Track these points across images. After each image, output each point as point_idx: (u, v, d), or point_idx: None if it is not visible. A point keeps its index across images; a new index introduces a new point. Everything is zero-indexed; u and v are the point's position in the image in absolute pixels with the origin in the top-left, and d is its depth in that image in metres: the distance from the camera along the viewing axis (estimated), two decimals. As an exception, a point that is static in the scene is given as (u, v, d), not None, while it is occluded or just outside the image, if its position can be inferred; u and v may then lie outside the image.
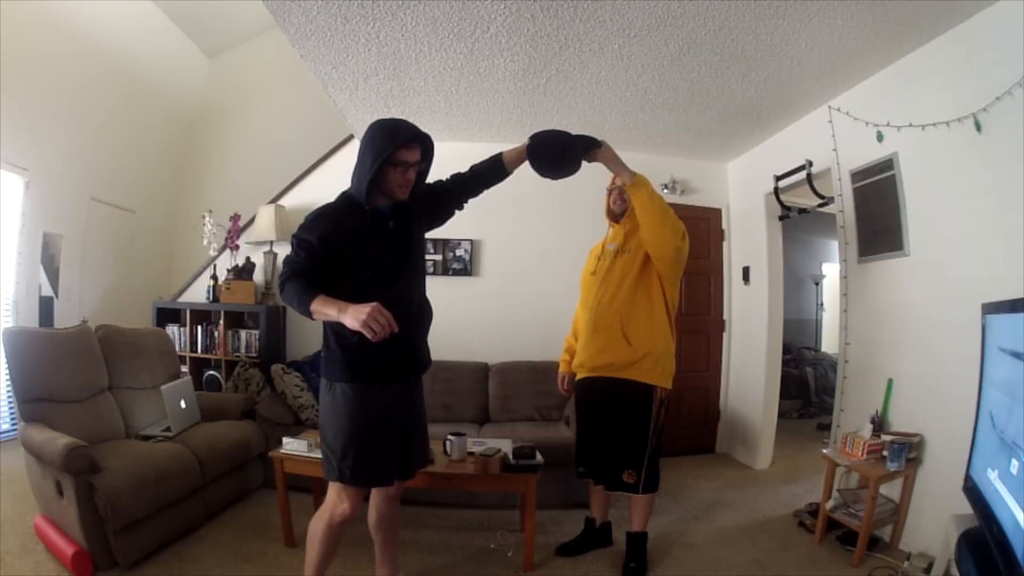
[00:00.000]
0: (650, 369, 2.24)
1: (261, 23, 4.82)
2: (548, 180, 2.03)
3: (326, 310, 1.56)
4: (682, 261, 2.24)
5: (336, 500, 1.74)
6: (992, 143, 2.18)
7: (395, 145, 1.61)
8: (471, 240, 4.17)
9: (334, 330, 1.71)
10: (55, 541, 2.20)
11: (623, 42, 2.67)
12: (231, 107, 5.67)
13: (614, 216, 2.42)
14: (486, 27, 2.57)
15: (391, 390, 1.74)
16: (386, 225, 1.73)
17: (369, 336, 1.49)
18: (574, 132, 2.01)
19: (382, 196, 1.72)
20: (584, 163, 2.04)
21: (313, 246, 1.64)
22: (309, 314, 1.60)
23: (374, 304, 1.50)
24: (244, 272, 4.13)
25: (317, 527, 1.78)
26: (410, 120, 1.72)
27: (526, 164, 1.95)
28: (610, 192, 2.40)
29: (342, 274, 1.66)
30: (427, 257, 3.59)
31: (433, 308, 1.92)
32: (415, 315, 1.80)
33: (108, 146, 4.65)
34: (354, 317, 1.49)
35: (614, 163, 2.12)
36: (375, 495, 1.95)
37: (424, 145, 1.72)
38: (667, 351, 2.28)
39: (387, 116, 1.93)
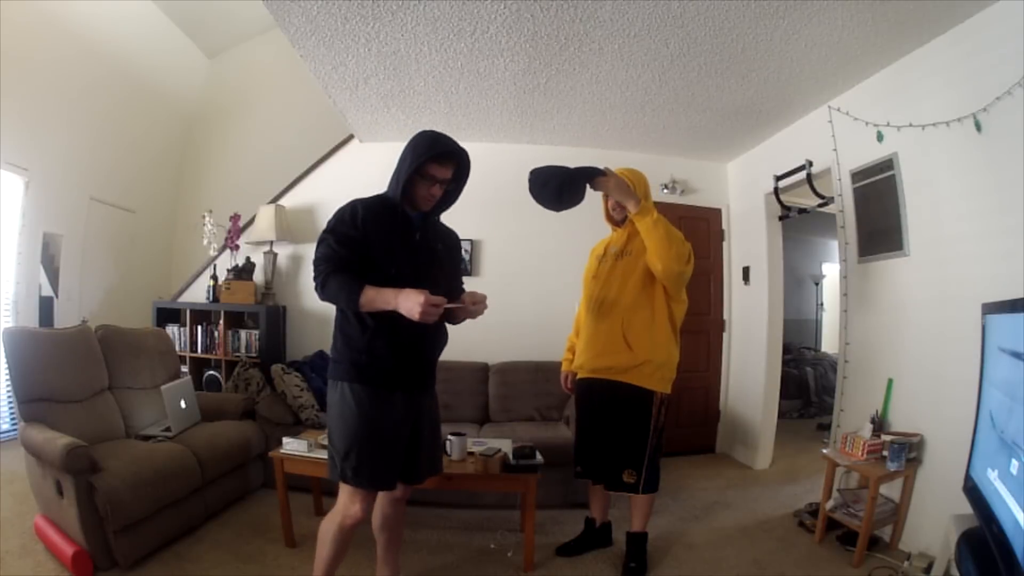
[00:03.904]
0: (650, 375, 2.24)
1: (261, 23, 4.82)
2: None
3: (381, 298, 1.57)
4: (685, 281, 2.23)
5: (348, 503, 1.73)
6: (992, 143, 2.18)
7: (428, 155, 1.65)
8: (471, 240, 4.17)
9: (343, 331, 1.73)
10: (55, 541, 2.20)
11: (623, 42, 2.67)
12: (231, 107, 5.67)
13: (615, 221, 2.41)
14: (486, 27, 2.57)
15: (394, 396, 1.74)
16: (412, 235, 1.76)
17: (428, 321, 1.54)
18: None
19: (410, 206, 1.76)
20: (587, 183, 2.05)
21: (352, 238, 1.66)
22: (358, 307, 1.60)
23: (424, 291, 1.53)
24: (244, 272, 4.12)
25: (328, 529, 1.77)
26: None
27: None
28: (607, 198, 2.37)
29: (368, 271, 1.66)
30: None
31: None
32: (430, 332, 1.78)
33: (108, 146, 4.65)
34: (413, 302, 1.52)
35: (618, 192, 2.14)
36: (380, 497, 1.94)
37: (459, 166, 1.75)
38: (668, 360, 2.27)
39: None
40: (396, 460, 1.76)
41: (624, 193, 2.14)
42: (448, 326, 1.91)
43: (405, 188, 1.69)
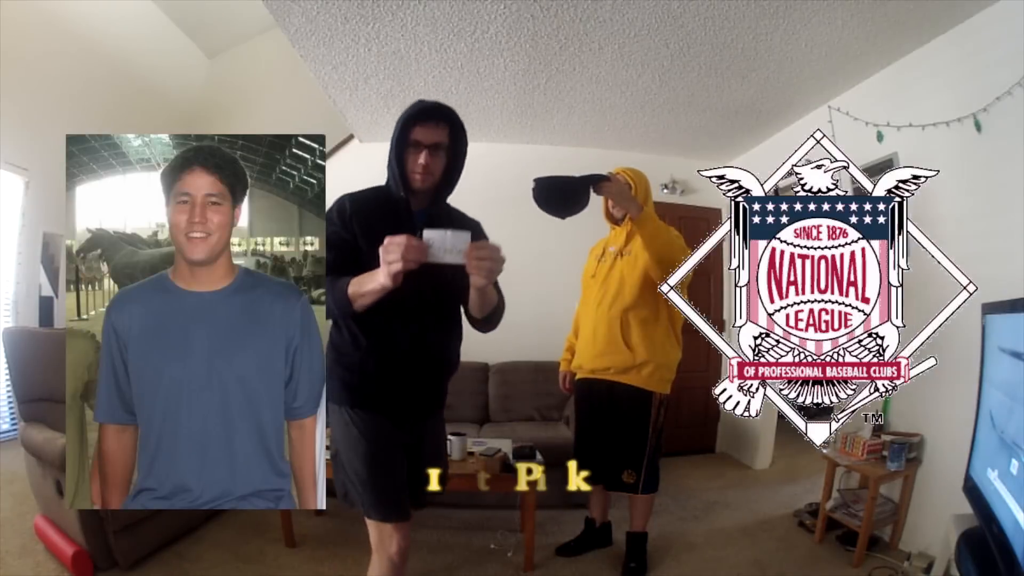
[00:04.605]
0: (649, 375, 2.24)
1: (261, 23, 4.80)
2: None
3: (366, 288, 1.31)
4: (686, 286, 2.23)
5: (385, 541, 1.53)
6: (992, 143, 2.18)
7: (405, 116, 1.45)
8: (471, 240, 4.16)
9: (332, 343, 1.57)
10: (55, 541, 2.20)
11: (623, 42, 2.66)
12: (231, 107, 5.67)
13: (614, 220, 2.41)
14: (486, 27, 2.57)
15: (390, 422, 1.56)
16: (412, 228, 1.46)
17: (412, 267, 1.26)
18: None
19: (414, 196, 1.55)
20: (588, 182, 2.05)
21: (341, 237, 1.48)
22: (349, 304, 1.34)
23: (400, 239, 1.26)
24: (244, 272, 4.12)
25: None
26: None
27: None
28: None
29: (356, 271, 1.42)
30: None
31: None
32: (433, 352, 1.58)
33: (108, 146, 4.65)
34: (392, 255, 1.25)
35: (620, 198, 2.13)
36: None
37: (453, 131, 1.50)
38: (667, 361, 2.27)
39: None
40: (403, 488, 1.59)
41: (626, 200, 2.14)
42: (468, 332, 1.75)
43: (401, 169, 1.48)
